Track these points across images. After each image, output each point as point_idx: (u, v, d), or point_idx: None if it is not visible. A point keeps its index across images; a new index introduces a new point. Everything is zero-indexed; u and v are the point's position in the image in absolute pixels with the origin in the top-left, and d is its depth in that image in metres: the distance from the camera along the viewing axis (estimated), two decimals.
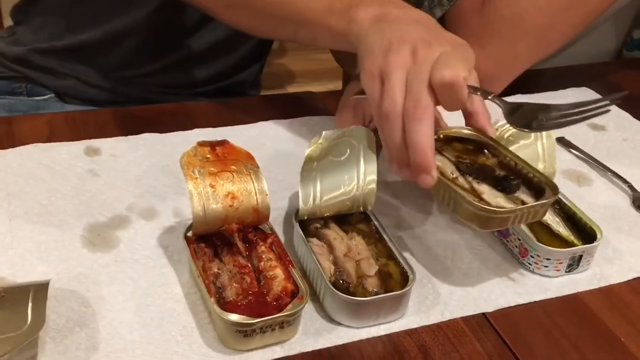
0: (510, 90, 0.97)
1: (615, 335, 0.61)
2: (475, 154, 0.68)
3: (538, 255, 0.66)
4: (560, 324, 0.62)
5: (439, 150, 0.68)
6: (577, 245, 0.67)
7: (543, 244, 0.66)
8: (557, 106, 0.64)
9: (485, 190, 0.63)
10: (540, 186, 0.63)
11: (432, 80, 0.61)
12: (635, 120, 0.96)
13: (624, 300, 0.65)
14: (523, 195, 0.63)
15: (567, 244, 0.68)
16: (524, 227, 0.68)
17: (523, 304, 0.64)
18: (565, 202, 0.71)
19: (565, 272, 0.67)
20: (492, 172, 0.65)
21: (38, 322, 0.52)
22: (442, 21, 1.00)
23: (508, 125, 0.69)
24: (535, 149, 0.72)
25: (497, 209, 0.60)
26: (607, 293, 0.66)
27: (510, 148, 0.70)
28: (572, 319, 0.63)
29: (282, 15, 0.77)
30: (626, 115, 0.97)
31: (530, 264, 0.67)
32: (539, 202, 0.61)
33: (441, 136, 0.69)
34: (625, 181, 0.82)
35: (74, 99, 1.05)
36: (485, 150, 0.68)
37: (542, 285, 0.66)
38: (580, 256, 0.66)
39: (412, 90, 0.62)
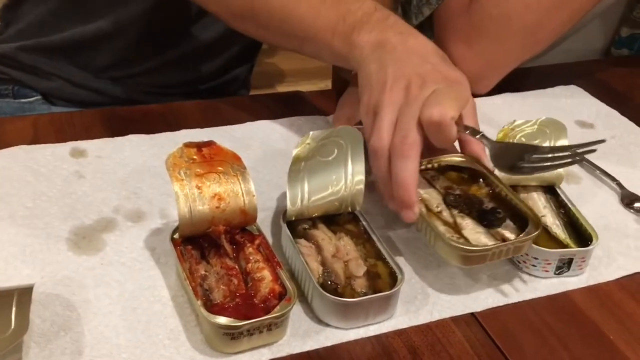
0: (499, 88, 0.98)
1: (604, 333, 0.61)
2: (468, 183, 0.69)
3: (526, 254, 0.66)
4: (549, 323, 0.62)
5: (429, 181, 0.69)
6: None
7: (537, 244, 0.65)
8: (540, 148, 0.66)
9: (468, 225, 0.64)
10: (526, 219, 0.64)
11: (421, 118, 0.63)
12: (623, 118, 0.96)
13: (612, 298, 0.65)
14: (506, 230, 0.64)
15: (562, 247, 0.67)
16: None
17: (512, 303, 0.63)
18: (570, 207, 0.71)
19: (555, 274, 0.66)
20: (480, 205, 0.66)
21: (22, 327, 0.51)
22: (430, 20, 1.00)
23: (522, 125, 0.72)
24: None
25: (472, 248, 0.61)
26: (596, 291, 0.66)
27: None
28: (561, 318, 0.63)
29: (287, 30, 0.78)
30: (614, 112, 0.98)
31: (519, 262, 0.67)
32: (516, 240, 0.62)
33: (435, 165, 0.70)
34: (613, 179, 0.82)
35: (61, 101, 1.05)
36: (480, 180, 0.69)
37: (531, 284, 0.66)
38: (571, 259, 0.66)
39: (401, 126, 0.63)
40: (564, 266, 0.66)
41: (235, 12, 0.82)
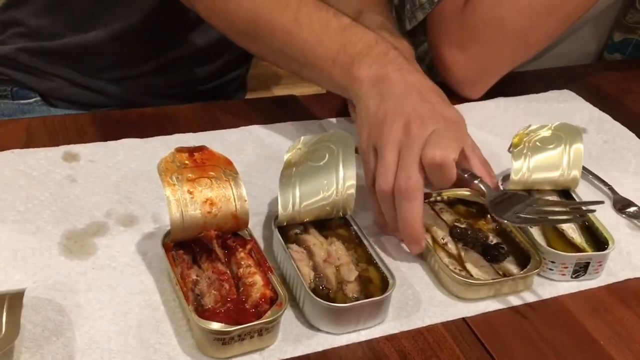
0: (493, 93, 0.98)
1: (595, 338, 0.62)
2: (476, 217, 0.71)
3: (544, 258, 0.66)
4: (539, 328, 0.62)
5: (437, 213, 0.71)
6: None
7: (553, 248, 0.66)
8: (538, 200, 0.67)
9: (472, 258, 0.66)
10: (529, 256, 0.65)
11: (422, 159, 0.64)
12: (616, 123, 0.97)
13: (603, 303, 0.66)
14: (509, 265, 0.65)
15: (579, 251, 0.68)
16: (535, 229, 0.69)
17: (502, 309, 0.64)
18: None
19: (572, 277, 0.67)
20: (485, 239, 0.67)
21: (13, 332, 0.51)
22: (424, 24, 1.00)
23: (537, 130, 0.73)
24: (560, 157, 0.73)
25: (472, 281, 0.63)
26: (587, 297, 0.66)
27: (537, 154, 0.72)
28: (552, 323, 0.63)
29: (287, 53, 0.79)
30: (607, 117, 0.98)
31: None
32: (516, 276, 0.64)
33: (445, 198, 0.72)
34: (605, 184, 0.82)
35: (60, 101, 1.05)
36: (488, 215, 0.71)
37: (523, 289, 0.66)
38: (588, 263, 0.66)
39: (404, 167, 0.65)
40: (581, 270, 0.67)
41: (238, 30, 0.83)
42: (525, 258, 0.65)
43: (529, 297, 0.65)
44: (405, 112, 0.68)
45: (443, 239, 0.68)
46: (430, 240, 0.68)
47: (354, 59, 0.74)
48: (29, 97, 1.04)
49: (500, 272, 0.65)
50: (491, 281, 0.63)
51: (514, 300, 0.64)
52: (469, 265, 0.65)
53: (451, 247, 0.67)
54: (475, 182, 0.68)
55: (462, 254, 0.66)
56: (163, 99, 1.05)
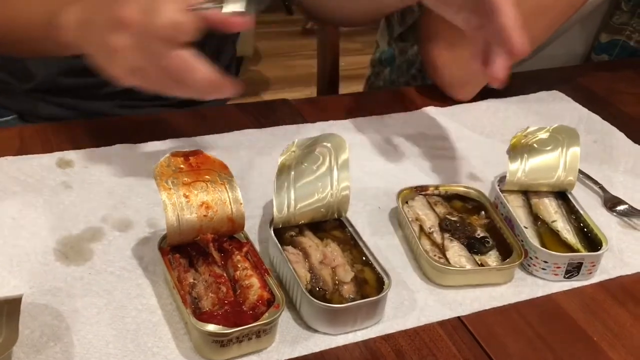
0: (483, 94, 0.99)
1: (589, 335, 0.62)
2: (470, 213, 0.72)
3: (536, 257, 0.67)
4: (534, 326, 0.63)
5: (431, 205, 0.72)
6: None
7: (547, 248, 0.67)
8: None
9: (453, 247, 0.67)
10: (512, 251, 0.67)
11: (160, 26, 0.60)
12: (605, 123, 0.98)
13: (596, 300, 0.66)
14: (490, 258, 0.66)
15: (573, 252, 0.68)
16: (530, 229, 0.70)
17: (497, 307, 0.64)
18: (582, 212, 0.72)
19: (565, 277, 0.67)
20: (472, 232, 0.69)
21: (11, 338, 0.51)
22: (414, 29, 1.01)
23: (535, 132, 0.74)
24: (557, 160, 0.74)
25: (447, 267, 0.64)
26: (580, 294, 0.67)
27: (535, 156, 0.74)
28: (546, 320, 0.63)
29: (20, 36, 0.79)
30: (596, 117, 0.99)
31: (529, 265, 0.68)
32: (494, 267, 0.65)
33: (442, 192, 0.74)
34: (596, 182, 0.83)
35: (37, 118, 1.04)
36: (482, 212, 0.72)
37: (516, 288, 0.67)
38: (580, 264, 0.67)
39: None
40: (574, 270, 0.67)
41: None
42: (510, 254, 0.66)
43: (523, 295, 0.66)
44: (109, 16, 0.62)
45: (430, 229, 0.69)
46: (417, 229, 0.69)
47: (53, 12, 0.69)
48: (5, 115, 1.04)
49: (480, 264, 0.66)
50: (468, 269, 0.64)
51: (509, 299, 0.65)
52: (449, 254, 0.66)
53: (436, 236, 0.69)
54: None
55: (445, 243, 0.67)
56: (143, 109, 1.05)
